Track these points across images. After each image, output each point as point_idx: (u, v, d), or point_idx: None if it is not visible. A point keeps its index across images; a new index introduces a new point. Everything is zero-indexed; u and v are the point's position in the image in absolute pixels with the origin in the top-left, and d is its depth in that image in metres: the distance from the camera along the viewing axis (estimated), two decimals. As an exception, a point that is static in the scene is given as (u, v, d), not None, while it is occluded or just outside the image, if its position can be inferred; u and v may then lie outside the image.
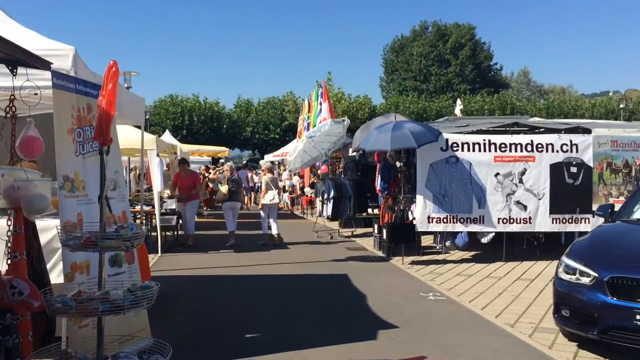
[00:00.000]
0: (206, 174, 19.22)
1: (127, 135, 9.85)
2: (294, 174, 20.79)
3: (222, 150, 24.85)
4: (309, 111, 20.85)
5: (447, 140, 9.72)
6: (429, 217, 9.62)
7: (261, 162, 31.65)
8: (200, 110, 39.82)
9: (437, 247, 10.85)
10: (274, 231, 12.39)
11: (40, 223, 4.50)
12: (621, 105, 40.57)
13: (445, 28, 55.49)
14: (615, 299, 4.66)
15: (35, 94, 4.53)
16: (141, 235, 3.90)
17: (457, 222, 9.65)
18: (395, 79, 57.34)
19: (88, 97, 4.79)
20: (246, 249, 11.70)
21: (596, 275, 4.84)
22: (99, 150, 3.84)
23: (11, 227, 3.89)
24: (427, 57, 54.13)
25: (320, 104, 18.43)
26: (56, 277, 4.56)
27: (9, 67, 4.06)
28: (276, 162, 26.50)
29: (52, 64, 4.23)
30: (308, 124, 20.56)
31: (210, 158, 26.30)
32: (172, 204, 13.04)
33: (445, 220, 9.64)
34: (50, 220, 4.72)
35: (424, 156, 9.66)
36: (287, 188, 23.20)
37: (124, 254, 4.88)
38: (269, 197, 12.28)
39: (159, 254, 10.77)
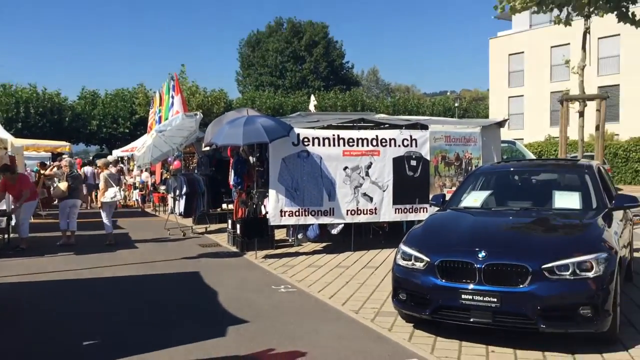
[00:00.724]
0: (42, 171, 17.57)
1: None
2: (144, 170, 19.85)
3: (63, 145, 22.84)
4: (160, 104, 20.09)
5: (298, 135, 9.89)
6: (281, 211, 9.73)
7: (109, 157, 29.87)
8: (38, 102, 36.38)
9: (290, 240, 11.04)
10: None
11: None
12: (456, 104, 44.57)
13: (300, 25, 56.74)
14: (444, 281, 5.08)
15: None
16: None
17: (308, 215, 9.88)
18: (251, 73, 57.44)
19: None
20: (89, 250, 10.92)
21: (428, 260, 5.23)
22: None
23: None
24: (283, 53, 54.94)
25: (172, 97, 17.85)
26: None
27: None
28: (126, 158, 25.15)
29: None
30: (159, 117, 19.81)
31: (50, 154, 24.13)
32: (2, 205, 11.76)
33: (297, 213, 9.82)
34: None
35: (276, 151, 9.74)
36: (137, 185, 22.13)
37: None
38: (110, 194, 11.62)
39: (-14, 260, 9.67)
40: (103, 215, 11.75)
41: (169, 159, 16.55)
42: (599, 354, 4.73)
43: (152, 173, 20.50)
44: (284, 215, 9.79)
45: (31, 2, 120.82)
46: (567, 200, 6.16)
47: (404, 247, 5.64)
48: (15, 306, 6.85)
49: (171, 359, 4.92)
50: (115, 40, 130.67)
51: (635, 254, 8.34)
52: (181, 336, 5.48)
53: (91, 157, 36.97)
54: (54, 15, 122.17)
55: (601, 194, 6.14)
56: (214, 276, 8.30)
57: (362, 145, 10.24)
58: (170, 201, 14.43)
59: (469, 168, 10.73)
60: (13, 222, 11.56)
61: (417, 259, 5.38)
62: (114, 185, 11.69)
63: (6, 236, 11.61)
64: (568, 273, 4.72)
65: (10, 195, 11.44)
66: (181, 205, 13.43)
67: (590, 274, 4.70)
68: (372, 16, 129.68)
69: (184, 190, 13.35)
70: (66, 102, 39.13)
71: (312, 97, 25.44)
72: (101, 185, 11.72)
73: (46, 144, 22.52)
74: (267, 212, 10.08)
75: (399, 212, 10.35)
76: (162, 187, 18.91)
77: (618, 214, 6.18)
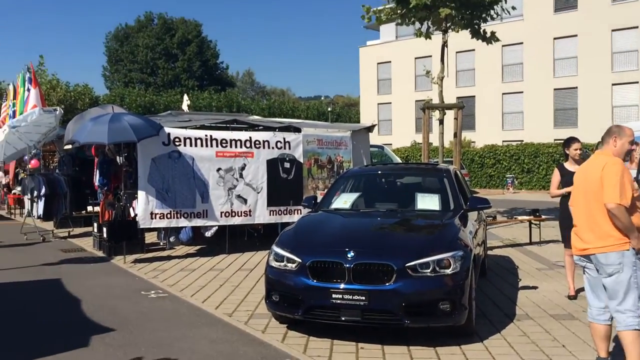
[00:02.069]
0: None
1: None
2: (-3, 169, 18.08)
3: None
4: (14, 98, 18.39)
5: (169, 134, 9.59)
6: (152, 213, 9.37)
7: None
8: None
9: (162, 244, 10.65)
10: None
11: None
12: (329, 109, 45.91)
13: (172, 22, 54.98)
14: (315, 281, 5.20)
15: None
16: None
17: (181, 217, 9.62)
18: (120, 69, 54.60)
19: None
20: None
21: (300, 260, 5.33)
22: None
23: None
24: (154, 50, 52.87)
25: (29, 90, 16.44)
26: None
27: None
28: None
29: None
30: (14, 112, 18.13)
31: None
32: None
33: (169, 215, 9.52)
34: None
35: (145, 150, 9.36)
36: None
37: None
38: None
39: None
40: None
41: (25, 158, 15.22)
42: (458, 346, 5.12)
43: (5, 172, 18.72)
44: (155, 218, 9.44)
45: None
46: (427, 201, 6.62)
47: (276, 249, 5.70)
48: None
49: (26, 375, 4.54)
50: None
51: (489, 252, 9.17)
52: (39, 348, 5.08)
53: None
54: None
55: (457, 196, 6.67)
56: (76, 283, 7.78)
57: (236, 147, 10.19)
58: (27, 203, 13.27)
59: (341, 171, 11.11)
60: None
61: (289, 260, 5.46)
62: None
63: None
64: (429, 271, 5.06)
65: None
66: (40, 207, 12.41)
67: (448, 271, 5.08)
68: (246, 17, 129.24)
69: (43, 191, 12.36)
70: None
71: (185, 97, 24.72)
72: None
73: None
74: (136, 215, 9.65)
75: (273, 214, 10.43)
76: (18, 188, 17.34)
77: (473, 215, 6.75)
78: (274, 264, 5.59)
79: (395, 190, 7.48)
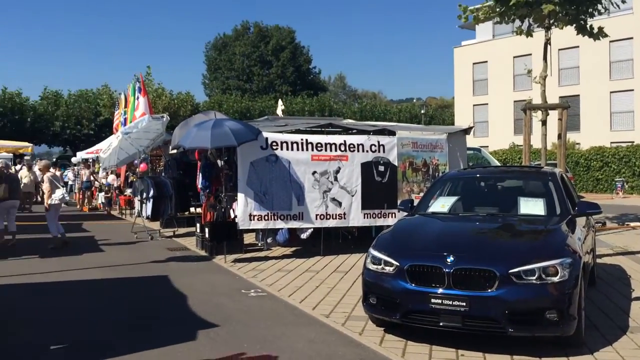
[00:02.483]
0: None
1: None
2: (110, 173, 19.51)
3: (25, 146, 22.34)
4: (125, 106, 19.80)
5: (266, 139, 9.90)
6: (250, 215, 9.71)
7: (73, 159, 29.19)
8: (-2, 102, 35.41)
9: (259, 245, 10.99)
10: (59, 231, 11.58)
11: None
12: (422, 111, 45.22)
13: (267, 30, 56.71)
14: (414, 285, 5.15)
15: None
16: None
17: (278, 219, 9.89)
18: (218, 77, 57.08)
19: None
20: (53, 254, 10.68)
21: (397, 264, 5.30)
22: None
23: None
24: (250, 57, 54.79)
25: (138, 98, 17.62)
26: None
27: None
28: (90, 160, 24.63)
29: None
30: (125, 119, 19.52)
31: (11, 154, 23.51)
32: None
33: (266, 217, 9.81)
34: None
35: (244, 154, 9.72)
36: (103, 187, 21.70)
37: None
38: (58, 195, 11.43)
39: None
40: (49, 217, 11.47)
41: (135, 162, 16.32)
42: (565, 357, 4.86)
43: (117, 175, 20.15)
44: (253, 219, 9.77)
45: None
46: (531, 206, 6.34)
47: (373, 252, 5.70)
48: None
49: (141, 364, 4.86)
50: (79, 40, 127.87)
51: (598, 260, 8.63)
52: (151, 340, 5.43)
53: (54, 159, 36.13)
54: (14, 13, 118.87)
55: (564, 200, 6.34)
56: (182, 280, 8.22)
57: (331, 150, 10.31)
58: (137, 204, 14.20)
59: (436, 174, 10.92)
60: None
61: (386, 263, 5.45)
62: (59, 186, 11.55)
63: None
64: (534, 278, 4.86)
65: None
66: (148, 208, 13.24)
67: (556, 279, 4.85)
68: (339, 22, 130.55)
69: (151, 193, 13.17)
70: (28, 102, 38.17)
71: (280, 102, 25.43)
72: (46, 187, 11.43)
73: (7, 144, 21.92)
74: (235, 216, 10.03)
75: (367, 217, 10.44)
76: (129, 190, 18.62)
77: (581, 221, 6.39)
78: (371, 266, 5.60)
79: (496, 194, 7.24)
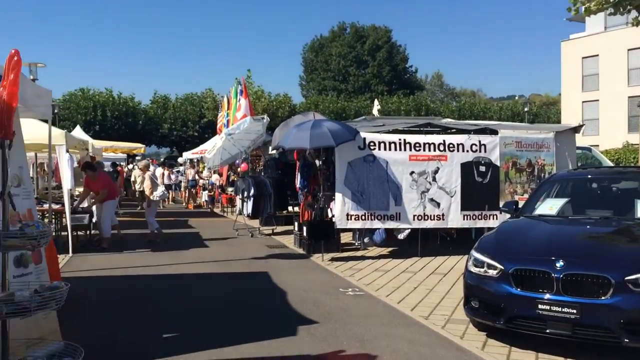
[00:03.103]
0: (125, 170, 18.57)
1: (32, 130, 9.27)
2: (214, 172, 20.47)
3: (138, 147, 24.00)
4: (228, 108, 20.64)
5: (364, 139, 9.93)
6: (347, 214, 9.79)
7: (179, 159, 30.96)
8: (114, 106, 38.29)
9: (356, 244, 11.04)
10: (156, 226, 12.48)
11: None
12: (525, 109, 43.20)
13: (363, 30, 56.74)
14: (519, 289, 4.96)
15: None
16: (48, 233, 3.71)
17: (374, 219, 9.89)
18: (314, 78, 57.93)
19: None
20: (163, 248, 11.39)
21: (502, 267, 5.13)
22: (0, 144, 3.61)
23: None
24: (346, 58, 55.10)
25: (240, 100, 18.31)
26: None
27: None
28: (195, 160, 25.98)
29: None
30: (227, 121, 20.35)
31: (125, 155, 25.36)
32: (84, 202, 12.42)
33: (363, 217, 9.85)
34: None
35: (342, 154, 9.81)
36: (206, 186, 22.82)
37: (30, 253, 4.62)
38: (159, 193, 12.41)
39: (70, 254, 10.26)
40: (149, 213, 12.31)
41: (237, 162, 17.00)
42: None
43: (220, 175, 21.09)
44: (350, 219, 9.84)
45: (106, 10, 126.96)
46: (651, 209, 5.88)
47: (475, 254, 5.56)
48: (101, 298, 7.23)
49: (244, 355, 5.06)
50: (186, 46, 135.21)
51: None
52: (253, 333, 5.64)
53: (162, 159, 38.44)
54: (128, 21, 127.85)
55: (690, 204, 5.82)
56: (282, 276, 8.46)
57: (429, 150, 10.14)
58: (238, 202, 14.78)
59: (542, 175, 10.41)
60: (94, 220, 12.15)
61: (489, 266, 5.29)
62: (158, 184, 12.44)
63: (88, 232, 12.24)
64: (654, 286, 4.50)
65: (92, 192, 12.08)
66: (249, 206, 13.73)
67: (679, 288, 4.47)
68: (436, 20, 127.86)
69: (252, 192, 13.65)
70: (139, 106, 40.94)
71: (376, 102, 25.38)
72: (147, 184, 12.35)
73: (122, 145, 23.64)
74: (333, 215, 10.16)
75: (467, 219, 10.16)
76: (230, 189, 19.44)
77: None
78: (473, 269, 5.46)
79: (610, 196, 6.78)
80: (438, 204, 10.07)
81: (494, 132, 10.70)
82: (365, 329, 5.78)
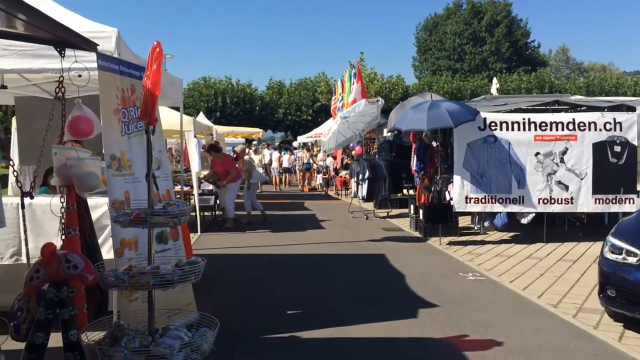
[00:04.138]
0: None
1: (164, 117, 9.96)
2: (328, 155, 20.80)
3: (256, 132, 25.03)
4: (342, 92, 20.80)
5: (485, 119, 9.55)
6: (466, 197, 9.52)
7: (294, 143, 31.82)
8: (233, 92, 40.08)
9: (475, 228, 10.75)
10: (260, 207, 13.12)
11: (90, 200, 4.62)
12: (666, 83, 39.09)
13: (480, 5, 54.19)
14: (663, 278, 4.55)
15: (80, 75, 4.62)
16: (187, 212, 3.98)
17: (495, 203, 9.52)
18: (428, 58, 56.48)
19: (131, 79, 4.87)
20: (282, 229, 11.81)
21: (644, 254, 4.72)
22: (144, 129, 3.90)
23: (64, 205, 4.02)
24: (462, 36, 53.06)
25: (353, 84, 18.37)
26: (106, 252, 4.70)
27: (57, 48, 4.15)
28: (309, 143, 26.55)
29: (98, 45, 4.31)
30: (342, 104, 20.53)
31: (244, 139, 26.53)
32: (209, 185, 13.21)
33: (483, 200, 9.52)
34: (99, 198, 4.86)
35: (461, 136, 9.53)
36: (320, 169, 23.26)
37: (169, 231, 4.99)
38: (257, 176, 13.28)
39: (199, 233, 10.98)
40: (248, 195, 12.91)
41: (351, 144, 17.11)
42: None
43: (334, 158, 21.38)
44: (469, 202, 9.56)
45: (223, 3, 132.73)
46: None
47: (613, 240, 5.18)
48: (228, 275, 7.67)
49: (365, 334, 5.13)
50: (299, 31, 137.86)
51: None
52: (373, 313, 5.69)
53: (277, 143, 39.73)
54: (241, 12, 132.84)
55: None
56: (399, 259, 8.43)
57: (557, 130, 9.55)
58: (353, 185, 14.92)
59: (688, 155, 9.40)
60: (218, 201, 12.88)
61: (629, 253, 4.91)
62: (256, 168, 13.05)
63: (213, 213, 13.01)
64: None
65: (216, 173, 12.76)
66: (364, 189, 13.80)
67: None
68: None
69: (367, 175, 13.69)
70: (256, 92, 42.49)
71: (495, 80, 24.22)
72: (248, 168, 12.98)
73: (242, 130, 24.75)
74: (451, 198, 9.93)
75: (599, 203, 9.46)
76: (344, 172, 19.66)
77: None
78: (610, 256, 5.09)
79: None
80: (566, 187, 9.47)
81: (630, 108, 9.82)
82: (489, 315, 5.61)
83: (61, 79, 4.28)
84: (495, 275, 7.38)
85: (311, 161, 23.86)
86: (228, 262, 8.57)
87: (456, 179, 9.57)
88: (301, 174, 24.28)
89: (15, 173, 4.01)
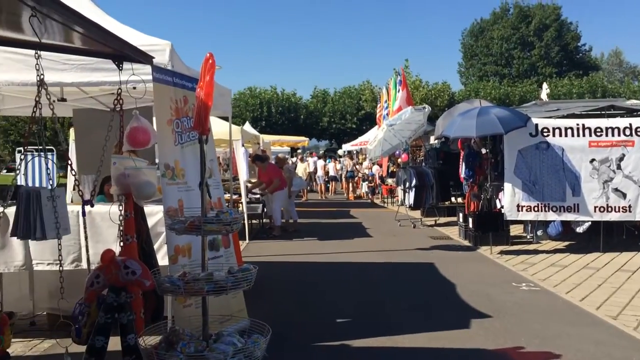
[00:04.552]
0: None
1: (213, 126, 10.14)
2: (374, 163, 20.73)
3: (302, 140, 25.23)
4: (387, 99, 20.74)
5: (536, 125, 9.32)
6: (518, 205, 9.28)
7: (339, 151, 31.86)
8: (278, 102, 40.55)
9: (528, 237, 10.48)
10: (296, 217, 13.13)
11: (146, 208, 4.75)
12: None
13: (528, 9, 53.07)
14: None
15: (134, 87, 4.76)
16: (239, 220, 4.04)
17: (549, 211, 9.25)
18: (474, 64, 55.62)
19: (184, 90, 4.99)
20: (329, 237, 11.82)
21: None
22: (198, 139, 3.99)
23: (123, 212, 4.15)
24: (509, 40, 52.04)
25: (399, 91, 18.30)
26: (160, 259, 4.80)
27: (115, 62, 4.30)
28: (354, 151, 26.54)
29: (154, 58, 4.44)
30: (387, 112, 20.47)
31: (289, 148, 26.77)
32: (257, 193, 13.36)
33: (536, 208, 9.27)
34: (154, 206, 4.98)
35: (511, 142, 9.32)
36: (366, 177, 23.19)
37: (221, 238, 5.07)
38: (298, 183, 13.57)
39: (247, 240, 11.11)
40: (288, 202, 12.89)
41: (397, 152, 17.01)
42: None
43: (379, 166, 21.29)
44: (521, 210, 9.32)
45: (267, 13, 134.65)
46: None
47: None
48: (276, 282, 7.72)
49: (416, 344, 5.06)
50: (342, 40, 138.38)
51: None
52: (424, 323, 5.62)
53: (321, 152, 39.90)
54: (285, 23, 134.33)
55: None
56: (449, 268, 8.29)
57: (613, 135, 9.21)
58: (399, 193, 14.81)
59: None
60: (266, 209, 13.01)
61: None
62: (296, 175, 13.23)
63: (261, 221, 13.14)
64: None
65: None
66: (411, 197, 13.66)
67: None
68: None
69: (414, 182, 13.56)
70: (301, 101, 42.85)
71: (544, 85, 23.62)
72: (287, 176, 12.97)
73: (288, 139, 24.98)
74: (501, 206, 9.71)
75: (660, 211, 9.06)
76: (390, 180, 19.53)
77: None
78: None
79: None
80: (624, 195, 9.11)
81: (693, 112, 9.39)
82: (544, 326, 5.44)
83: (119, 91, 4.42)
84: (550, 285, 7.16)
85: (355, 169, 23.82)
86: (276, 269, 8.63)
87: (507, 186, 9.36)
88: (347, 182, 24.24)
89: (76, 182, 4.14)
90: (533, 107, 12.27)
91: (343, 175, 24.86)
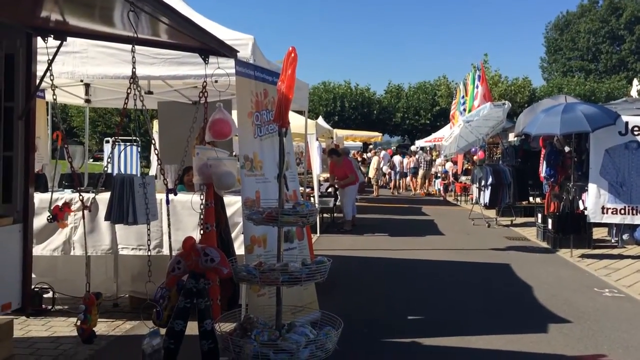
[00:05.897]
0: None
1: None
2: (448, 160, 20.30)
3: (375, 136, 25.11)
4: (465, 95, 20.22)
5: (626, 123, 8.81)
6: (603, 207, 8.81)
7: (412, 147, 31.43)
8: (351, 97, 40.50)
9: (612, 241, 9.94)
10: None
11: (225, 198, 4.90)
12: None
13: (619, 1, 50.07)
14: None
15: (216, 81, 4.91)
16: (315, 212, 4.08)
17: (637, 214, 8.72)
18: (558, 59, 53.25)
19: (264, 83, 5.09)
20: (401, 233, 11.72)
21: None
22: (277, 132, 4.06)
23: (203, 201, 4.30)
24: (597, 34, 49.40)
25: (477, 87, 17.77)
26: (237, 248, 4.95)
27: (202, 55, 4.46)
28: (427, 148, 26.09)
29: (238, 52, 4.57)
30: (464, 108, 19.96)
31: (362, 143, 26.73)
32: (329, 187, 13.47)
33: (622, 211, 8.76)
34: (232, 197, 5.13)
35: (598, 141, 8.85)
36: (439, 174, 22.76)
37: (295, 230, 5.15)
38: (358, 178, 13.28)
39: (318, 234, 11.21)
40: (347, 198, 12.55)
41: (473, 149, 16.57)
42: None
43: (454, 163, 20.83)
44: (606, 213, 8.84)
45: (343, 11, 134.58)
46: None
47: None
48: (347, 276, 7.74)
49: (491, 346, 4.93)
50: (421, 34, 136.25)
51: None
52: (498, 324, 5.47)
53: (394, 148, 39.54)
54: (360, 17, 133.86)
55: None
56: (526, 270, 8.02)
57: None
58: (474, 191, 14.43)
59: None
60: (338, 203, 13.09)
61: None
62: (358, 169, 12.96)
63: (332, 215, 13.22)
64: None
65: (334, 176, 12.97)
66: (486, 195, 13.28)
67: None
68: None
69: (490, 180, 13.17)
70: (374, 96, 42.60)
71: (635, 81, 22.22)
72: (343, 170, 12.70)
73: (361, 134, 24.93)
74: (584, 208, 9.26)
75: None
76: (464, 177, 19.07)
77: None
78: None
79: None
80: None
81: None
82: (629, 335, 5.15)
83: (204, 84, 4.58)
84: (635, 292, 6.77)
85: (420, 164, 23.23)
86: (347, 263, 8.66)
87: (592, 187, 8.90)
88: (421, 179, 23.80)
89: (162, 171, 4.34)
90: (623, 104, 11.58)
91: (421, 172, 24.32)
